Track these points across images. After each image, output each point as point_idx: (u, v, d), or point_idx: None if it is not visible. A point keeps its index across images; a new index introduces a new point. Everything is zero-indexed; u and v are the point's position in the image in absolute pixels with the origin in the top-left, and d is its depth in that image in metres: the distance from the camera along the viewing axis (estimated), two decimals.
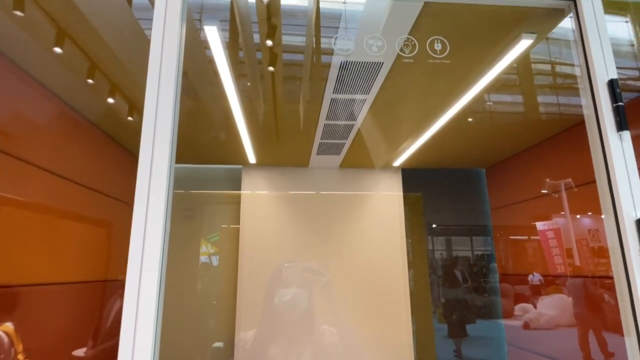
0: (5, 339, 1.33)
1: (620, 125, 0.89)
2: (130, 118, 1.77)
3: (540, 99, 1.88)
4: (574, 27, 1.00)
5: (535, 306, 2.41)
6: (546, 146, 2.25)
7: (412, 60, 1.01)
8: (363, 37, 1.04)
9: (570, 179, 2.09)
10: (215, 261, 2.46)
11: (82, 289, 1.79)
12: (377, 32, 1.00)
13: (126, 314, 0.68)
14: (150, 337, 0.68)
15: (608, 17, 0.97)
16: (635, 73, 1.58)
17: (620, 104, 0.90)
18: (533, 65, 1.52)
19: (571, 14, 1.01)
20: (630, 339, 0.81)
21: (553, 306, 2.27)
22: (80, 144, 1.83)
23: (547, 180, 2.23)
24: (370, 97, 1.55)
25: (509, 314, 2.61)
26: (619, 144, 0.90)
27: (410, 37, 1.00)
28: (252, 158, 2.39)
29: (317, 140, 2.04)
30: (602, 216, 0.91)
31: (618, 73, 0.89)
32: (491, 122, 2.05)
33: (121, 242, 0.73)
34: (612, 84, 0.92)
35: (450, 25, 1.03)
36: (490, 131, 2.18)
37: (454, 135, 2.06)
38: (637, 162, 0.89)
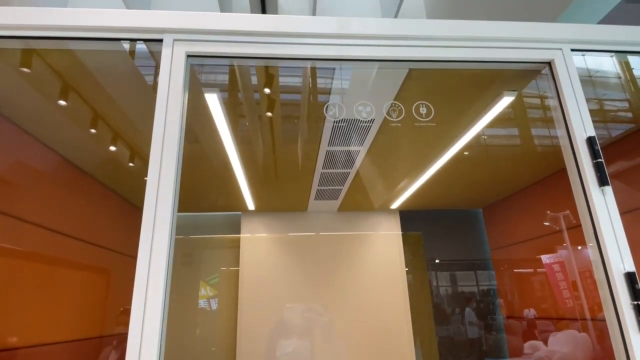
0: None
1: (602, 181, 0.93)
2: (131, 164, 1.81)
3: (534, 139, 1.94)
4: (551, 87, 1.06)
5: (545, 343, 2.36)
6: (540, 186, 2.30)
7: (399, 124, 1.07)
8: (353, 103, 1.10)
9: (568, 211, 2.11)
10: (214, 305, 2.44)
11: (79, 347, 1.77)
12: (365, 99, 1.06)
13: None
14: None
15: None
16: (625, 104, 1.63)
17: (600, 160, 0.94)
18: (526, 100, 1.57)
19: (547, 75, 1.07)
20: None
21: (565, 343, 2.20)
22: (77, 197, 1.86)
23: (548, 212, 2.24)
24: (364, 148, 1.61)
25: (518, 353, 2.55)
26: (601, 198, 0.93)
27: (395, 102, 1.06)
28: (250, 204, 2.44)
29: (315, 187, 2.09)
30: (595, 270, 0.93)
31: (608, 105, 0.94)
32: (484, 165, 2.11)
33: (117, 294, 0.76)
34: (590, 142, 0.96)
35: (434, 89, 1.09)
36: (483, 173, 2.24)
37: (448, 178, 2.12)
38: (636, 195, 0.91)
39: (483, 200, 2.73)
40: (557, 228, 2.22)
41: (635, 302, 0.84)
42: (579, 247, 2.10)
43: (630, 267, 0.88)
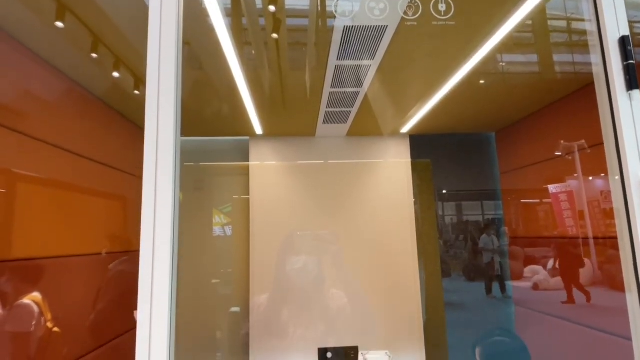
0: (35, 308, 1.41)
1: (630, 84, 0.88)
2: (136, 92, 1.78)
3: (553, 58, 1.82)
4: None
5: (545, 268, 2.43)
6: (558, 107, 2.20)
7: (415, 23, 0.99)
8: (365, 0, 1.01)
9: (583, 141, 2.06)
10: (229, 231, 2.54)
11: (102, 260, 1.88)
12: None
13: (142, 283, 0.72)
14: (166, 302, 0.72)
15: None
16: None
17: (631, 62, 0.88)
18: (547, 22, 1.46)
19: None
20: (631, 295, 0.83)
21: None
22: (90, 120, 1.86)
23: (562, 142, 2.19)
24: (375, 63, 1.52)
25: (519, 276, 2.65)
26: (628, 103, 0.88)
27: None
28: (258, 129, 2.41)
29: (323, 109, 2.02)
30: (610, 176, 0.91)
31: (635, 27, 0.86)
32: (502, 84, 2.00)
33: (136, 214, 0.77)
34: (623, 42, 0.89)
35: None
36: (500, 93, 2.13)
37: (463, 98, 2.03)
38: None
39: (497, 123, 2.65)
40: (570, 158, 2.18)
41: None
42: (590, 178, 2.08)
43: None
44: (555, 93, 2.15)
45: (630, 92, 0.88)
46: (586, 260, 2.11)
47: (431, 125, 2.47)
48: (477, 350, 1.76)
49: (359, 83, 1.73)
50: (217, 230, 2.55)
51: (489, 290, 3.29)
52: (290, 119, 2.27)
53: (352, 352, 2.34)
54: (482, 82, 1.89)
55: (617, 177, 0.88)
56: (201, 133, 2.51)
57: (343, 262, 2.29)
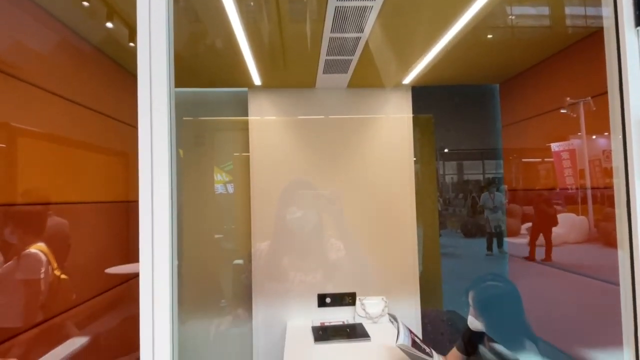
0: (42, 256, 1.46)
1: (638, 20, 0.83)
2: (131, 44, 1.73)
3: (561, 6, 1.74)
4: None
5: None
6: (564, 56, 2.15)
7: None
8: None
9: (589, 98, 2.02)
10: (231, 189, 2.57)
11: (106, 209, 1.91)
12: None
13: (142, 232, 0.74)
14: (166, 248, 0.74)
15: None
16: None
17: None
18: None
19: None
20: (622, 251, 0.84)
21: (561, 225, 2.31)
22: (88, 70, 1.83)
23: (568, 99, 2.15)
24: (377, 5, 1.45)
25: (515, 233, 2.69)
26: (635, 40, 0.84)
27: None
28: (257, 80, 2.36)
29: (323, 57, 1.96)
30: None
31: None
32: (507, 32, 1.93)
33: (136, 165, 0.77)
34: None
35: None
36: (505, 42, 2.06)
37: (467, 48, 1.96)
38: None
39: (501, 74, 2.59)
40: (575, 115, 2.14)
41: None
42: (593, 137, 2.06)
43: None
44: (561, 42, 2.08)
45: (638, 27, 0.84)
46: (582, 217, 2.14)
47: (434, 76, 2.40)
48: (470, 294, 1.82)
49: (359, 28, 1.66)
50: (219, 188, 2.58)
51: (489, 247, 3.38)
52: (290, 68, 2.21)
53: (350, 297, 2.46)
54: (488, 34, 1.81)
55: (618, 117, 0.85)
56: (200, 84, 2.46)
57: (343, 218, 2.34)
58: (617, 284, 0.84)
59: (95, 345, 1.68)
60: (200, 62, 2.09)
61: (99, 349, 1.73)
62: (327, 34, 1.69)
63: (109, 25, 1.69)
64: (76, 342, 1.57)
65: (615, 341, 0.84)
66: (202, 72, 2.26)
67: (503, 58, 2.27)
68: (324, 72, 2.19)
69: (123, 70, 1.99)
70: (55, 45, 1.61)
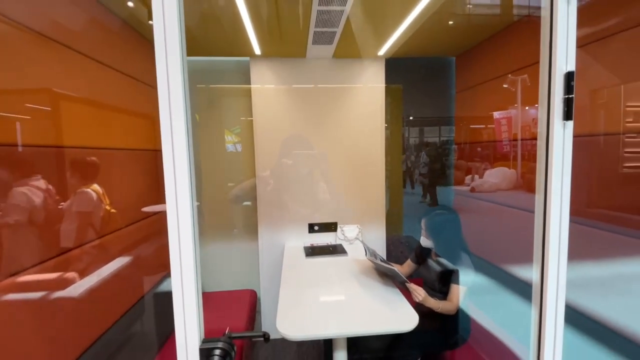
0: (95, 195, 1.44)
1: None
2: (150, 22, 1.60)
3: None
4: None
5: (481, 176, 2.51)
6: (507, 33, 2.08)
7: None
8: None
9: (526, 75, 1.98)
10: (239, 148, 2.54)
11: (145, 156, 1.88)
12: None
13: (167, 177, 0.72)
14: (187, 189, 0.72)
15: None
16: None
17: None
18: None
19: None
20: (539, 195, 0.85)
21: (495, 176, 2.36)
22: (119, 40, 1.71)
23: (509, 75, 2.10)
24: None
25: (460, 182, 2.75)
26: (564, 6, 0.79)
27: None
28: (257, 50, 2.25)
29: (312, 29, 1.85)
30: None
31: None
32: (460, 12, 1.83)
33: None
34: None
35: None
36: (459, 20, 1.97)
37: (431, 22, 1.86)
38: None
39: (457, 48, 2.50)
40: (513, 89, 2.10)
41: (567, 96, 0.80)
42: (526, 108, 2.03)
43: (572, 67, 0.81)
44: (505, 21, 2.00)
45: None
46: (512, 170, 2.19)
47: (404, 49, 2.30)
48: (422, 221, 1.89)
49: (342, 1, 1.56)
50: (230, 147, 2.54)
51: (424, 195, 3.45)
52: (285, 39, 2.08)
53: (333, 226, 2.54)
54: (450, 10, 1.70)
55: (546, 68, 0.82)
56: (209, 53, 2.34)
57: (329, 171, 2.38)
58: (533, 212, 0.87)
59: (137, 262, 1.73)
60: (209, 33, 1.97)
61: (139, 266, 1.78)
62: (315, 6, 1.58)
63: (130, 4, 1.65)
64: (123, 260, 1.61)
65: (530, 258, 0.89)
66: (211, 42, 2.13)
67: (457, 34, 2.18)
68: (313, 43, 2.09)
69: (146, 42, 1.86)
70: (90, 19, 1.47)
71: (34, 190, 1.10)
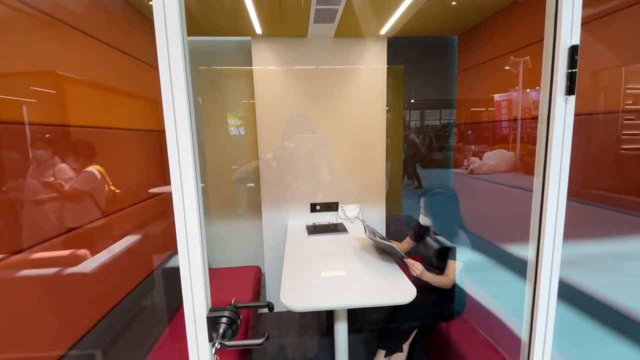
0: (98, 174, 1.43)
1: None
2: (150, 2, 1.54)
3: None
4: None
5: (480, 159, 2.49)
6: (509, 10, 1.99)
7: None
8: None
9: (528, 57, 1.91)
10: (242, 131, 2.51)
11: (145, 135, 1.86)
12: None
13: (171, 158, 0.71)
14: (191, 170, 0.71)
15: None
16: None
17: None
18: None
19: None
20: (537, 178, 0.82)
21: (494, 158, 2.33)
22: (121, 20, 1.64)
23: (511, 57, 2.02)
24: None
25: (460, 164, 2.73)
26: None
27: None
28: (258, 29, 2.16)
29: (314, 6, 1.77)
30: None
31: None
32: None
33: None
34: None
35: None
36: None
37: (431, 3, 1.78)
38: None
39: (460, 26, 2.39)
40: (515, 72, 2.03)
41: (570, 70, 0.77)
42: (528, 90, 1.98)
43: (576, 41, 0.77)
44: None
45: None
46: (511, 152, 2.16)
47: (406, 28, 2.20)
48: (422, 200, 1.88)
49: None
50: (232, 130, 2.50)
51: (410, 176, 3.44)
52: (286, 17, 1.99)
53: (334, 205, 2.55)
54: None
55: (550, 43, 0.78)
56: (210, 33, 2.25)
57: (329, 154, 2.37)
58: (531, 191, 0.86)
59: (145, 240, 1.75)
60: (210, 12, 1.89)
61: (148, 244, 1.80)
62: None
63: None
64: (131, 238, 1.63)
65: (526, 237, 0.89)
66: (211, 22, 2.05)
67: (460, 12, 2.08)
68: (314, 22, 1.99)
69: (148, 21, 1.80)
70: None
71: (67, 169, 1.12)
